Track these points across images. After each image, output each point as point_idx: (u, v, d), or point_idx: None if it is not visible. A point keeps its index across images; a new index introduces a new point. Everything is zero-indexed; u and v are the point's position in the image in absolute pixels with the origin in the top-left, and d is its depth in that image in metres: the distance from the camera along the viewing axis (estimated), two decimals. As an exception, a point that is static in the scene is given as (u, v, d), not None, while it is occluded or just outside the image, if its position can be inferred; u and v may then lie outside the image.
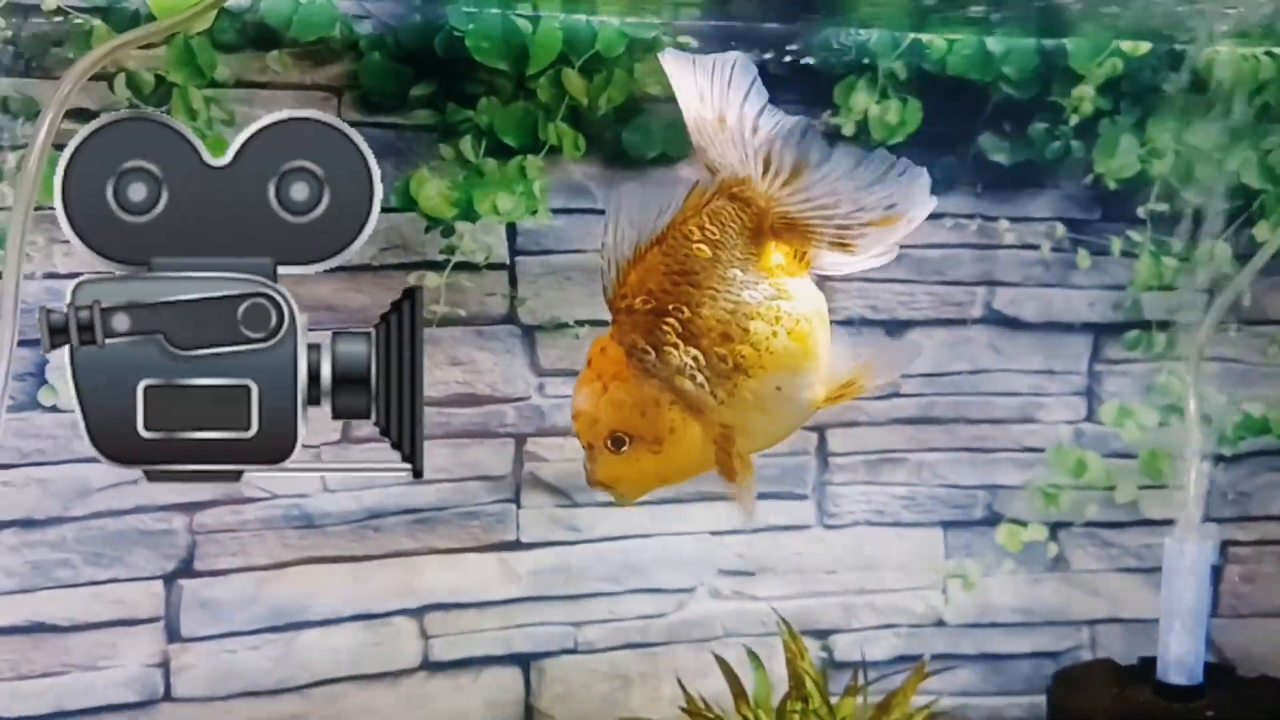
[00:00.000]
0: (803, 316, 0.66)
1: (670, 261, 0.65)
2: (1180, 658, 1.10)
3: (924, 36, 1.28)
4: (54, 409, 1.12)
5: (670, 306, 0.64)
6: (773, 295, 0.64)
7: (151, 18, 1.06)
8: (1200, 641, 1.12)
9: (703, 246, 0.65)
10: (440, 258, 1.21)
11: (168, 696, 1.18)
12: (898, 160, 0.66)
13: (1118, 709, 1.09)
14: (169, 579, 1.18)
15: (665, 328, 0.64)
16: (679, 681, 1.11)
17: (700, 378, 0.64)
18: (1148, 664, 1.15)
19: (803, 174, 0.65)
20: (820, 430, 1.34)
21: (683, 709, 1.05)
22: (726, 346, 0.64)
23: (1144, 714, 1.09)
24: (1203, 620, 1.12)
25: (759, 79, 0.67)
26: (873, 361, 0.69)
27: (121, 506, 1.16)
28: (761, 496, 1.40)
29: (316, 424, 1.20)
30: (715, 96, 0.67)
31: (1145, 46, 1.31)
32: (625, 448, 0.65)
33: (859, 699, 1.03)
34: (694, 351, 0.64)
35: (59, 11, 1.08)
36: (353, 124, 1.19)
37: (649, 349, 0.64)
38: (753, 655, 1.10)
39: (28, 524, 1.12)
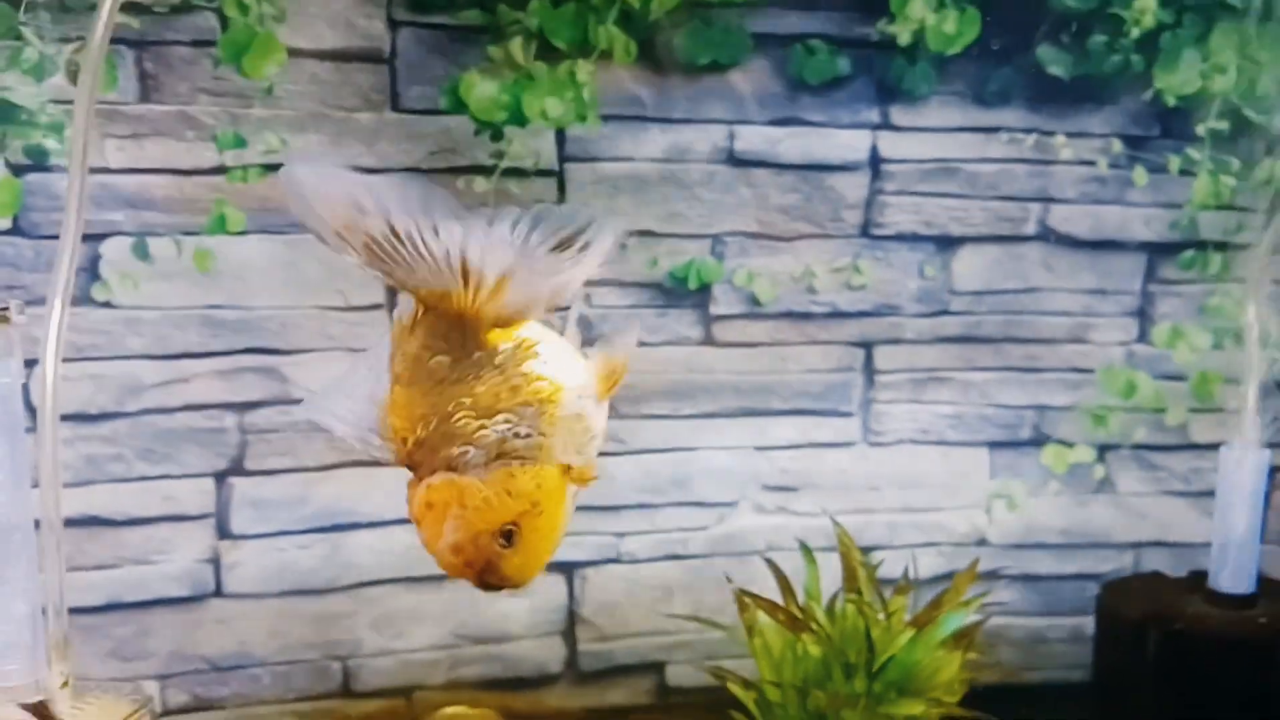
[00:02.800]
0: (548, 342, 0.69)
1: (418, 387, 0.66)
2: (1233, 567, 1.09)
3: (984, -57, 1.25)
4: (107, 304, 1.13)
5: (449, 409, 0.64)
6: (519, 343, 0.67)
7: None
8: (1254, 552, 1.10)
9: (438, 359, 0.65)
10: (489, 162, 1.20)
11: (218, 592, 1.20)
12: (590, 221, 0.67)
13: (1168, 615, 1.08)
14: (220, 477, 1.19)
15: (459, 424, 0.64)
16: (727, 577, 1.11)
17: (522, 429, 0.66)
18: (1198, 577, 1.14)
19: (507, 283, 0.65)
20: (867, 347, 1.33)
21: (740, 592, 1.04)
22: (520, 394, 0.66)
23: (1194, 620, 1.08)
24: (1256, 530, 1.11)
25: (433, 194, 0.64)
26: (611, 353, 0.72)
27: (172, 404, 1.17)
28: (806, 413, 1.40)
29: (366, 326, 1.20)
30: (378, 209, 0.64)
31: (1210, -45, 1.28)
32: (516, 535, 0.65)
33: (909, 597, 1.02)
34: (499, 417, 0.65)
35: (111, -98, 1.07)
36: (403, 24, 1.19)
37: (464, 449, 0.64)
38: (806, 549, 1.09)
39: (81, 418, 1.13)
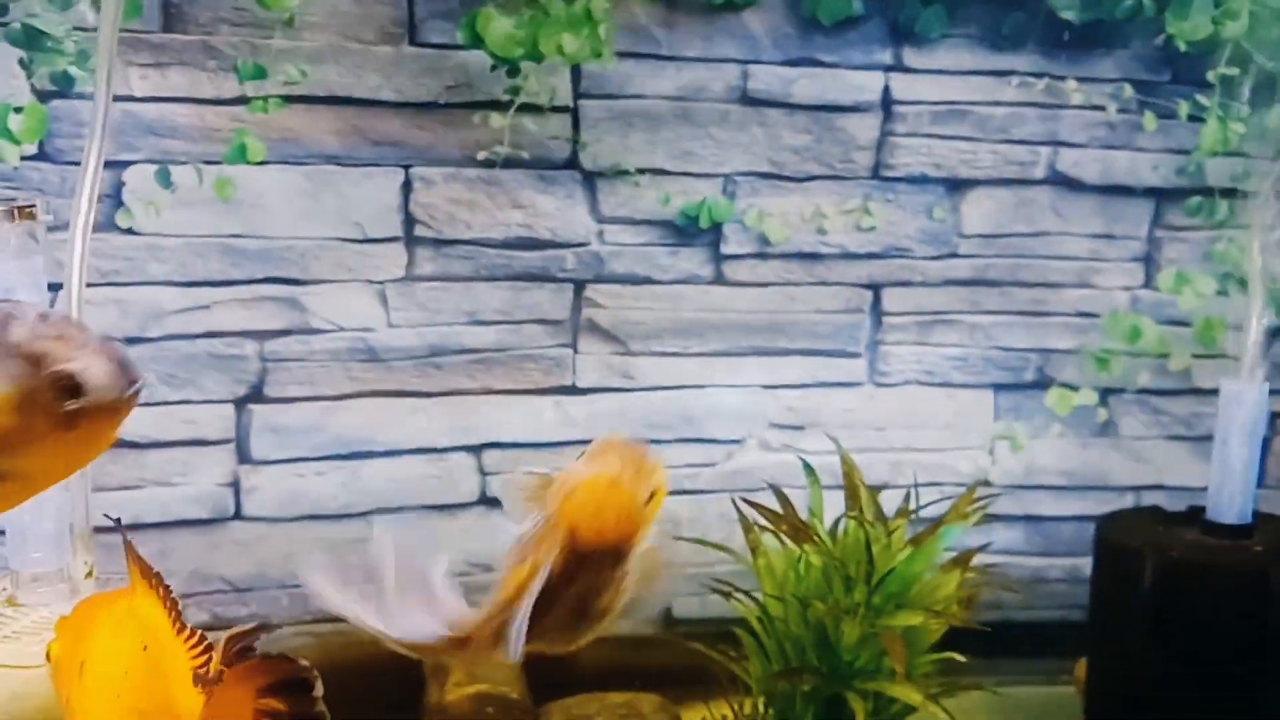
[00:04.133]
0: None
1: None
2: (1230, 498, 1.11)
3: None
4: (130, 231, 1.15)
5: None
6: None
7: None
8: (1251, 484, 1.13)
9: None
10: (504, 98, 1.22)
11: (238, 515, 1.23)
12: None
13: (1164, 544, 1.11)
14: (239, 403, 1.22)
15: None
16: (733, 501, 1.14)
17: None
18: (1196, 510, 1.17)
19: None
20: (875, 289, 1.35)
21: (742, 507, 1.08)
22: None
23: (1190, 549, 1.11)
24: (1254, 463, 1.13)
25: None
26: None
27: (194, 330, 1.20)
28: (814, 353, 1.42)
29: (383, 258, 1.24)
30: None
31: (1226, -101, 1.29)
32: None
33: (907, 523, 1.05)
34: None
35: None
36: (422, -43, 1.20)
37: None
38: (809, 469, 1.12)
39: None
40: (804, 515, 1.09)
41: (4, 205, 0.83)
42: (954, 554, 1.06)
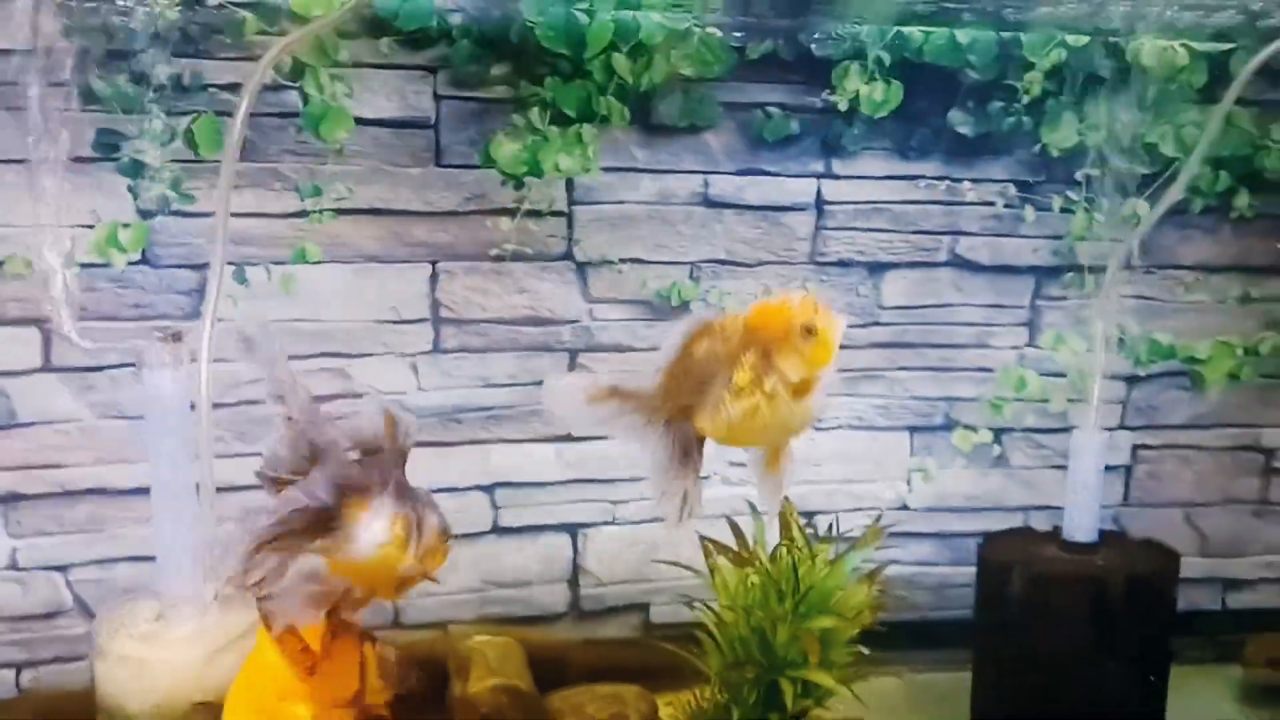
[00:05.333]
0: None
1: None
2: (1081, 522, 1.41)
3: (905, 30, 1.55)
4: (219, 320, 1.41)
5: None
6: None
7: (291, 12, 1.35)
8: (1096, 509, 1.42)
9: None
10: (512, 206, 1.50)
11: (298, 548, 1.49)
12: None
13: (1031, 559, 1.40)
14: (298, 456, 1.48)
15: None
16: (697, 534, 1.42)
17: None
18: (1056, 531, 1.46)
19: None
20: (812, 350, 1.64)
21: (703, 538, 1.36)
22: None
23: (1049, 563, 1.40)
24: (1098, 493, 1.42)
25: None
26: None
27: (262, 397, 1.45)
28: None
29: (414, 336, 1.50)
30: None
31: (1084, 39, 1.57)
32: None
33: (832, 547, 1.33)
34: None
35: (220, 5, 1.35)
36: (445, 98, 1.48)
37: None
38: (754, 508, 1.40)
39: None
40: (753, 539, 1.37)
41: (162, 333, 1.10)
42: (867, 569, 1.33)
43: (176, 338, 1.11)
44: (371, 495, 0.91)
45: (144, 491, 1.31)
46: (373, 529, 0.92)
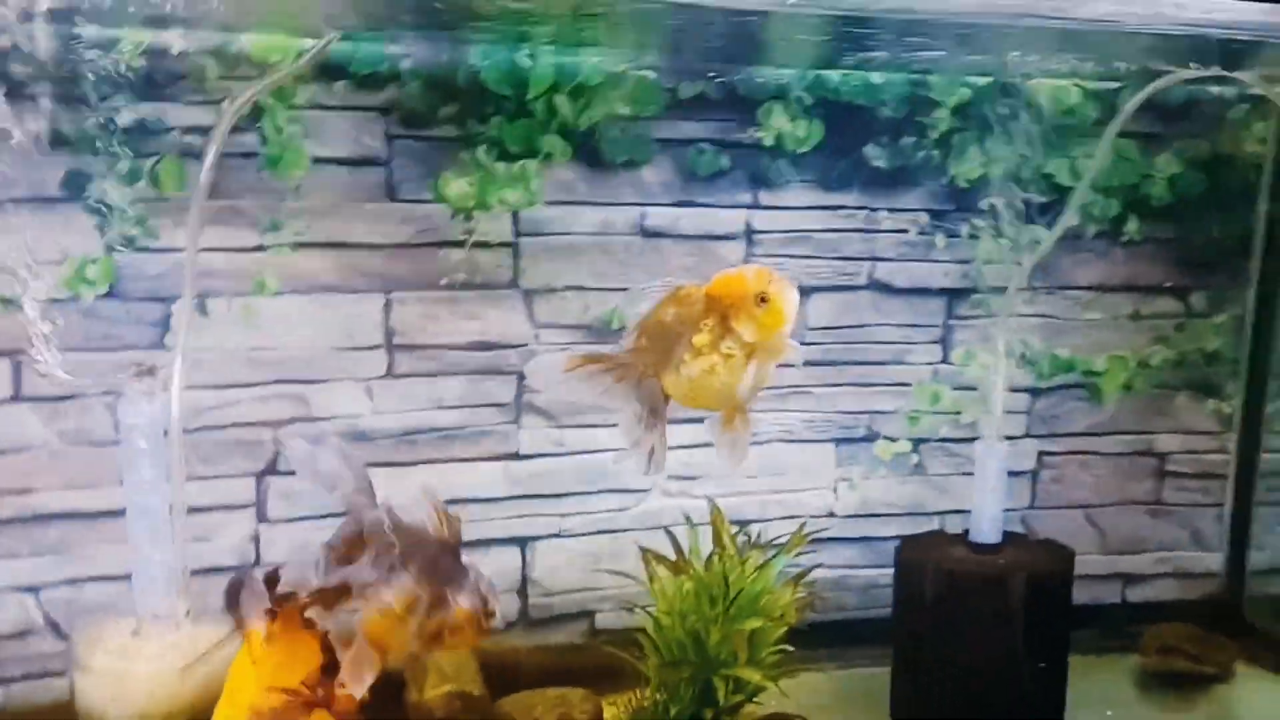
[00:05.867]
0: None
1: None
2: (985, 525, 1.54)
3: (825, 72, 1.68)
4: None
5: None
6: None
7: (250, 58, 1.43)
8: (999, 512, 1.56)
9: None
10: (462, 238, 1.58)
11: (258, 563, 1.56)
12: None
13: (941, 559, 1.53)
14: (259, 476, 1.56)
15: None
16: (639, 546, 1.52)
17: None
18: (966, 534, 1.59)
19: None
20: (744, 369, 1.75)
21: (642, 549, 1.46)
22: None
23: (956, 563, 1.52)
24: (1000, 498, 1.55)
25: None
26: None
27: (224, 422, 1.53)
28: (700, 420, 1.82)
29: (369, 361, 1.58)
30: None
31: (987, 80, 1.72)
32: None
33: (761, 553, 1.44)
34: None
35: (182, 54, 1.43)
36: (396, 137, 1.57)
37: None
38: (690, 522, 1.51)
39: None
40: (690, 547, 1.48)
41: (137, 368, 1.18)
42: (793, 573, 1.44)
43: (150, 372, 1.19)
44: (394, 570, 1.00)
45: (112, 514, 1.38)
46: (381, 597, 1.03)
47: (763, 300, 1.03)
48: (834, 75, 1.68)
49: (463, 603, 1.04)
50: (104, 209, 1.42)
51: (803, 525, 1.47)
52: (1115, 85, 1.74)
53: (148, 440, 1.18)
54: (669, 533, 1.52)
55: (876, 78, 1.69)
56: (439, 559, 1.05)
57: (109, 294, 1.44)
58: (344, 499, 1.09)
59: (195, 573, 1.48)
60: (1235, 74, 1.60)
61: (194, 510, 1.50)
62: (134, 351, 1.46)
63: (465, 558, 1.10)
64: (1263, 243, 1.85)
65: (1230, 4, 1.08)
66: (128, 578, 1.27)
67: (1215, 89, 1.78)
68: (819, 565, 1.47)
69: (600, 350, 1.10)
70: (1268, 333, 1.86)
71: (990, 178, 1.74)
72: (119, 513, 1.30)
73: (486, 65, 1.54)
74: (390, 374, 1.59)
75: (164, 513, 1.21)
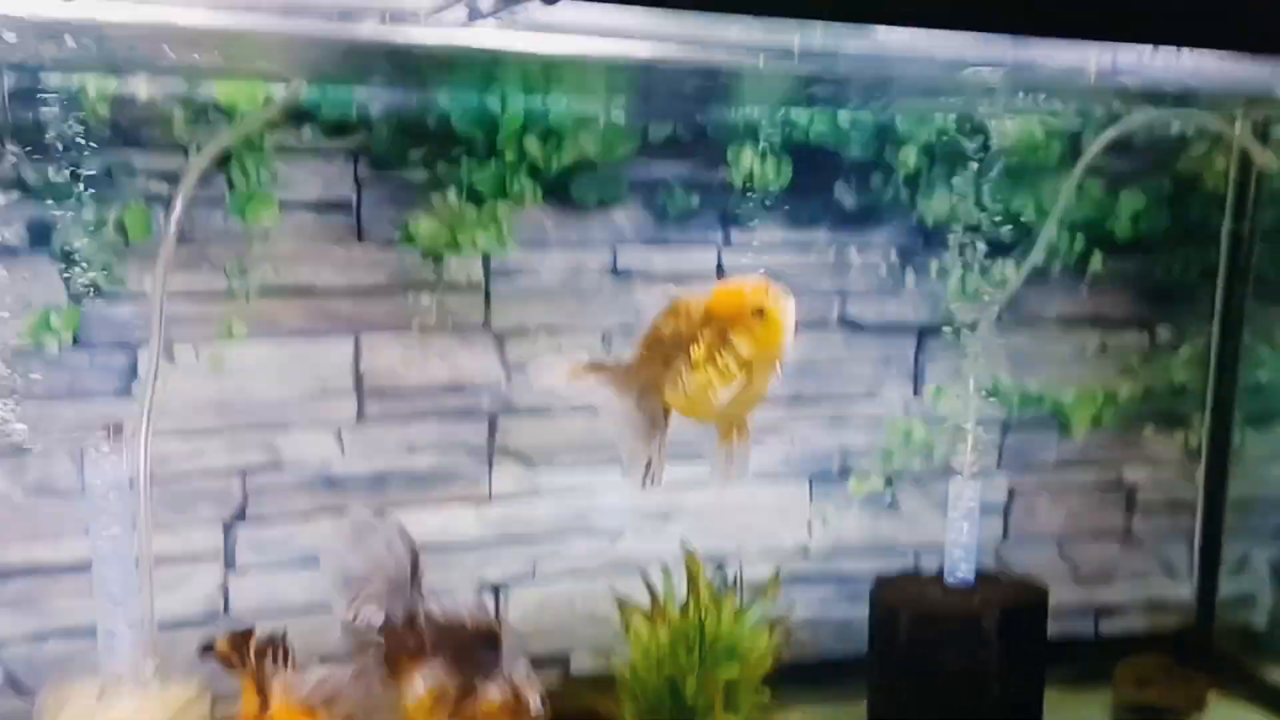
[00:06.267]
0: None
1: None
2: (958, 566, 1.55)
3: (793, 112, 1.70)
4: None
5: None
6: None
7: (219, 106, 1.43)
8: (973, 551, 1.57)
9: None
10: (432, 280, 1.58)
11: (226, 611, 1.54)
12: None
13: (913, 601, 1.54)
14: (227, 525, 1.54)
15: None
16: (613, 591, 1.51)
17: None
18: (940, 574, 1.60)
19: None
20: (717, 407, 1.76)
21: (617, 599, 1.45)
22: None
23: (930, 605, 1.53)
24: (973, 537, 1.57)
25: None
26: None
27: (192, 470, 1.51)
28: (676, 459, 1.82)
29: (339, 406, 1.57)
30: None
31: (953, 120, 1.75)
32: None
33: (736, 598, 1.44)
34: None
35: (149, 101, 1.42)
36: (365, 181, 1.56)
37: None
38: (665, 570, 1.51)
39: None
40: (665, 592, 1.47)
41: (105, 426, 1.16)
42: (768, 617, 1.44)
43: (116, 430, 1.17)
44: (424, 660, 1.00)
45: (77, 568, 1.35)
46: (414, 686, 1.05)
47: (760, 314, 1.04)
48: (802, 116, 1.69)
49: (493, 694, 1.04)
50: (70, 257, 1.40)
51: (778, 570, 1.47)
52: (1078, 123, 1.77)
53: (114, 494, 1.16)
54: (645, 579, 1.51)
55: (844, 118, 1.71)
56: (472, 649, 1.05)
57: (75, 343, 1.42)
58: (387, 581, 1.08)
59: (162, 626, 1.47)
60: (1194, 115, 1.63)
61: (160, 561, 1.48)
62: (100, 399, 1.43)
63: (505, 649, 1.09)
64: (1225, 276, 1.88)
65: (1189, 56, 1.10)
66: (93, 632, 1.25)
67: (1175, 127, 1.82)
68: (794, 607, 1.47)
69: (602, 360, 1.10)
70: (1232, 365, 1.89)
71: (958, 215, 1.77)
72: (84, 566, 1.28)
73: (456, 108, 1.54)
74: (360, 419, 1.58)
75: (130, 567, 1.19)
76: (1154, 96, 1.42)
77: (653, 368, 1.07)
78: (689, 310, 1.06)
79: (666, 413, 1.10)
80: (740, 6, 0.96)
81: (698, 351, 1.04)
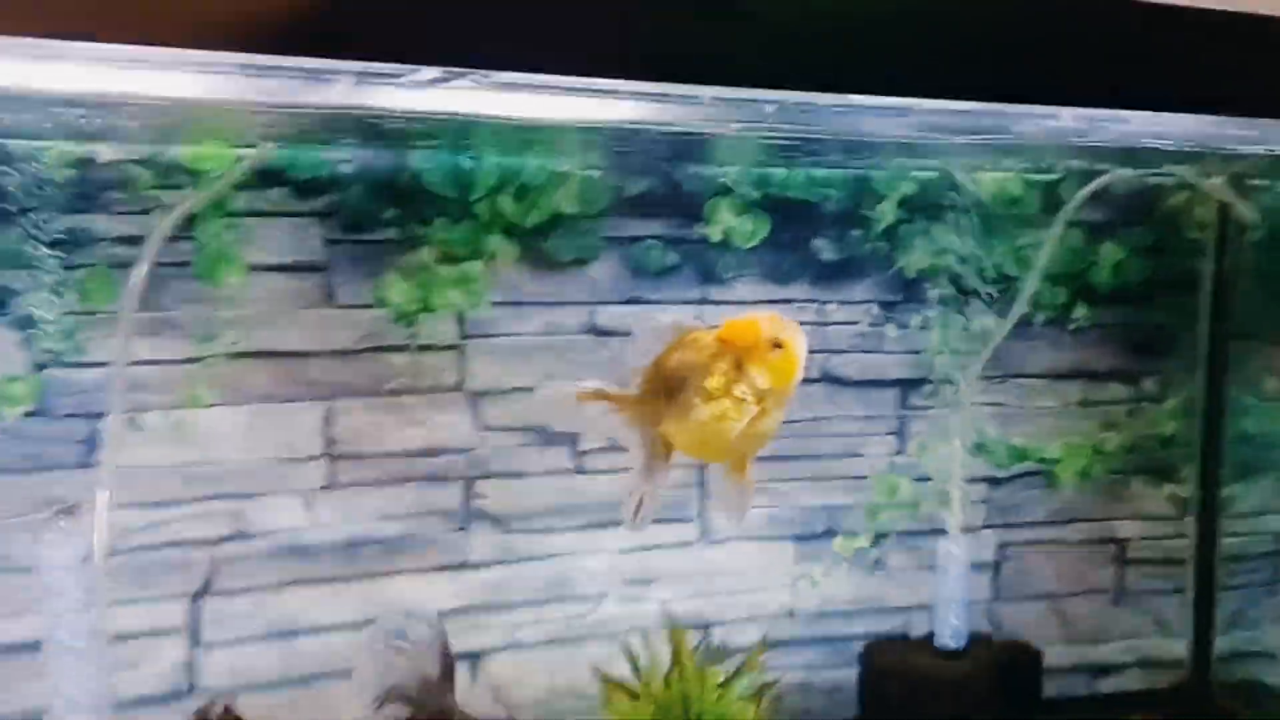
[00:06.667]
0: None
1: None
2: (948, 630, 1.51)
3: (769, 169, 1.69)
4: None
5: None
6: None
7: (183, 167, 1.40)
8: (964, 615, 1.53)
9: None
10: (405, 341, 1.55)
11: (192, 690, 1.48)
12: None
13: (904, 667, 1.50)
14: (192, 599, 1.48)
15: None
16: (593, 667, 1.46)
17: None
18: (930, 637, 1.56)
19: None
20: (701, 466, 1.72)
21: (602, 677, 1.41)
22: None
23: (922, 671, 1.49)
24: (964, 601, 1.53)
25: None
26: None
27: (156, 543, 1.46)
28: (657, 521, 1.78)
29: (310, 473, 1.52)
30: None
31: (930, 173, 1.75)
32: None
33: (721, 667, 1.40)
34: None
35: (112, 163, 1.39)
36: (337, 241, 1.54)
37: None
38: (646, 637, 1.46)
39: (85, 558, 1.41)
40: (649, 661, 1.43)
41: (58, 507, 1.11)
42: (755, 686, 1.40)
43: (71, 512, 1.12)
44: None
45: (30, 647, 1.30)
46: None
47: (777, 346, 1.01)
48: (779, 171, 1.68)
49: None
50: (29, 324, 1.37)
51: (764, 639, 1.42)
52: (1057, 176, 1.77)
53: (68, 575, 1.11)
54: (626, 650, 1.47)
55: (821, 173, 1.70)
56: None
57: (34, 413, 1.38)
58: (418, 682, 1.03)
59: (124, 705, 1.41)
60: (1175, 171, 1.63)
61: (122, 637, 1.43)
62: (61, 471, 1.39)
63: None
64: (1208, 326, 1.87)
65: (1170, 116, 1.10)
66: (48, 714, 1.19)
67: (1155, 178, 1.82)
68: (781, 674, 1.42)
69: (612, 389, 1.07)
70: (1218, 415, 1.87)
71: (938, 268, 1.75)
72: (36, 645, 1.23)
73: (429, 168, 1.52)
74: (331, 485, 1.53)
75: (84, 645, 1.13)
76: (1132, 153, 1.41)
77: (654, 401, 1.03)
78: (698, 342, 1.03)
79: (667, 449, 1.05)
80: (709, 78, 0.95)
81: (713, 382, 1.00)
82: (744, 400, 1.01)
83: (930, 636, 1.54)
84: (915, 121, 1.14)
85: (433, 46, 0.87)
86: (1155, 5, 1.08)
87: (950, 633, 1.50)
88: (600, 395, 1.05)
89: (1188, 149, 1.39)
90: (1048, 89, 1.08)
